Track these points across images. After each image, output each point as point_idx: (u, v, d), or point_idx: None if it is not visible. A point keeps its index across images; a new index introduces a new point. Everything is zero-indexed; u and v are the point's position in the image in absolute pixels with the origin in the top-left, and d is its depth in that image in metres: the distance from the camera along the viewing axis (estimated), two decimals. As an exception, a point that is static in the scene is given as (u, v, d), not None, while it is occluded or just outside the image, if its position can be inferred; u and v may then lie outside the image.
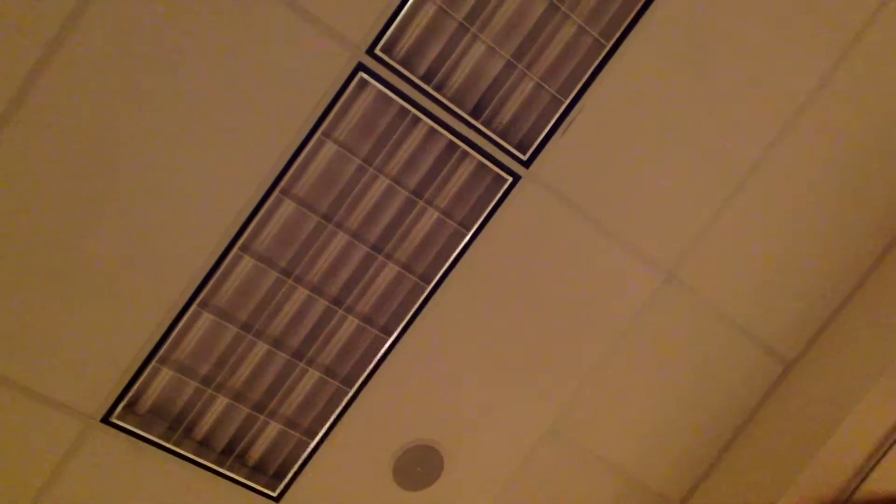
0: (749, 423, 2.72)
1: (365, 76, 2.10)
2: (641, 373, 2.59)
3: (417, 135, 2.20)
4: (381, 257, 2.27)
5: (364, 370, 2.36)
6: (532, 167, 2.28)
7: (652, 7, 2.22)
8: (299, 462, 2.39)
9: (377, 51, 2.09)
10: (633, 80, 2.27)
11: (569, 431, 2.60)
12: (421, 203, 2.26)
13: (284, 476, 2.39)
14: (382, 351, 2.35)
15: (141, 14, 1.91)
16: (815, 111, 2.41)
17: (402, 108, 2.16)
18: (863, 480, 2.55)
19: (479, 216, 2.30)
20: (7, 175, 1.94)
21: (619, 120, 2.30)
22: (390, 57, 2.11)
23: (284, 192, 2.15)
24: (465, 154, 2.24)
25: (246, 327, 2.24)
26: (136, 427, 2.23)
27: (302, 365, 2.31)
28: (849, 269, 2.63)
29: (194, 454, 2.29)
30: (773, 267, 2.56)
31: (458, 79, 2.17)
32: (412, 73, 2.14)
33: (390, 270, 2.29)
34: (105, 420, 2.21)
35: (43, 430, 2.18)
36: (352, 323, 2.31)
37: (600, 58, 2.24)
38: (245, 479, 2.35)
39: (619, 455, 2.67)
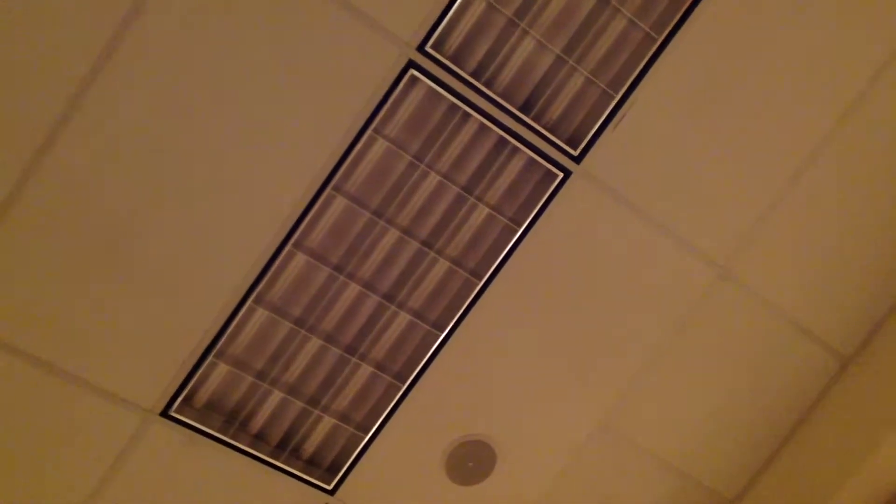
0: (805, 421, 2.68)
1: (415, 73, 2.11)
2: (695, 369, 2.56)
3: (468, 131, 2.20)
4: (432, 253, 2.29)
5: (416, 366, 2.37)
6: (583, 162, 2.28)
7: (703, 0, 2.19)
8: (353, 456, 2.41)
9: (427, 48, 2.10)
10: (684, 73, 2.24)
11: (621, 427, 2.58)
12: (471, 199, 2.26)
13: (339, 469, 2.42)
14: (434, 347, 2.37)
15: (195, 15, 1.94)
16: (874, 102, 2.36)
17: (453, 104, 2.17)
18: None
19: (530, 212, 2.30)
20: (70, 173, 2.00)
21: (671, 114, 2.27)
22: (440, 53, 2.11)
23: (337, 189, 2.17)
24: (516, 150, 2.24)
25: (299, 322, 2.27)
26: (194, 420, 2.28)
27: (355, 360, 2.33)
28: (908, 264, 2.57)
29: (250, 447, 2.33)
30: (830, 262, 2.52)
31: (508, 74, 2.17)
32: (462, 69, 2.14)
33: (442, 266, 2.30)
34: (164, 413, 2.25)
35: (103, 423, 2.23)
36: (404, 319, 2.32)
37: (651, 52, 2.22)
38: (300, 472, 2.38)
39: (671, 451, 2.65)
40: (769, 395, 2.65)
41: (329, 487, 2.43)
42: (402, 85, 2.11)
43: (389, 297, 2.30)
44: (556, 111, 2.23)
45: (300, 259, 2.21)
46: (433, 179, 2.23)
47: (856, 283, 2.56)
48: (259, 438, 2.34)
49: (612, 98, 2.24)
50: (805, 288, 2.53)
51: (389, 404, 2.40)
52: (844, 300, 2.57)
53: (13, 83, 1.90)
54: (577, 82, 2.21)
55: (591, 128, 2.25)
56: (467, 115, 2.18)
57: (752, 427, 2.68)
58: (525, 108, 2.21)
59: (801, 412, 2.69)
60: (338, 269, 2.25)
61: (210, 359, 2.23)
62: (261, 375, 2.29)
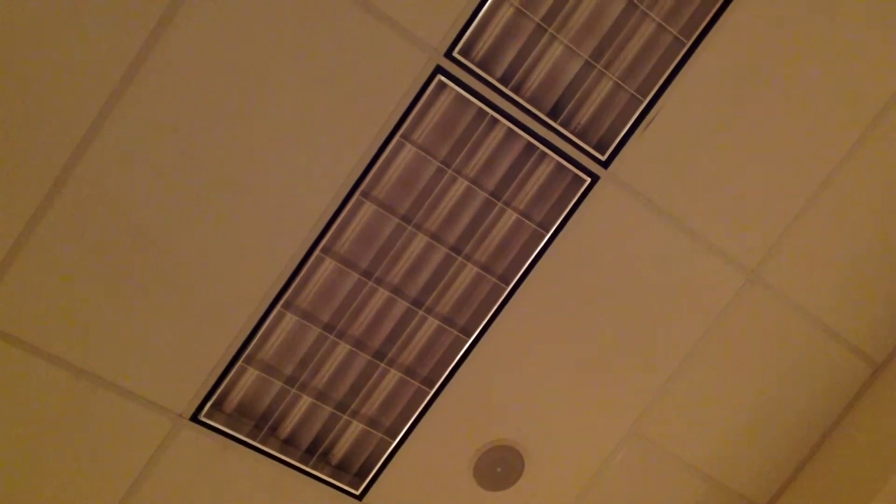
0: (836, 427, 2.66)
1: (443, 79, 2.12)
2: (724, 374, 2.54)
3: (496, 136, 2.21)
4: (460, 259, 2.29)
5: (444, 371, 2.37)
6: (611, 167, 2.27)
7: (733, 3, 2.18)
8: (381, 461, 2.41)
9: (455, 53, 2.10)
10: (713, 78, 2.24)
11: (651, 433, 2.57)
12: (499, 204, 2.26)
13: (367, 475, 2.42)
14: (462, 352, 2.37)
15: (225, 22, 1.96)
16: (905, 106, 2.35)
17: (481, 110, 2.17)
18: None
19: (558, 217, 2.30)
20: (101, 180, 2.01)
21: (700, 118, 2.26)
22: (468, 59, 2.12)
23: (365, 194, 2.18)
24: (544, 155, 2.24)
25: (328, 328, 2.28)
26: (224, 425, 2.29)
27: (383, 365, 2.34)
28: (940, 269, 2.55)
29: (279, 452, 2.34)
30: (861, 266, 2.50)
31: (535, 80, 2.17)
32: (490, 75, 2.15)
33: (469, 272, 2.30)
34: (193, 418, 2.27)
35: (133, 428, 2.25)
36: (432, 324, 2.33)
37: (680, 56, 2.21)
38: (329, 477, 2.39)
39: (701, 457, 2.63)
40: (800, 401, 2.63)
41: (357, 493, 2.43)
42: (429, 91, 2.12)
43: (417, 302, 2.31)
44: (583, 116, 2.22)
45: (329, 265, 2.22)
46: (461, 185, 2.23)
47: (888, 287, 2.54)
48: (288, 444, 2.35)
49: (641, 103, 2.23)
50: (836, 293, 2.51)
51: (417, 409, 2.40)
52: (876, 305, 2.55)
53: (46, 91, 1.92)
54: (605, 87, 2.21)
55: (619, 133, 2.25)
56: (495, 120, 2.18)
57: (783, 433, 2.66)
58: (553, 114, 2.20)
59: (833, 418, 2.67)
60: (366, 274, 2.25)
61: (239, 364, 2.25)
62: (290, 381, 2.30)
